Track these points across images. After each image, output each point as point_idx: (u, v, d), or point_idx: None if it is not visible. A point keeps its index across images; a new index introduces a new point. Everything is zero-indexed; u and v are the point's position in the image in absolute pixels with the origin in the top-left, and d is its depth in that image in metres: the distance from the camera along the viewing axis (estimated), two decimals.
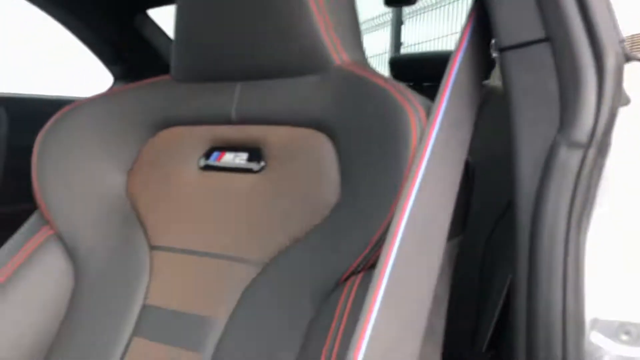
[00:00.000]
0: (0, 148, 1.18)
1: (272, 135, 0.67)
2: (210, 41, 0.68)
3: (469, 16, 0.57)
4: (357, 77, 0.61)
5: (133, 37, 1.76)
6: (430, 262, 0.49)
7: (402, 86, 0.59)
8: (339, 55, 0.64)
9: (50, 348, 0.69)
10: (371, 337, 0.42)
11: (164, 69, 0.77)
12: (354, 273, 0.54)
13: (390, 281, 0.44)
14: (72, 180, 0.74)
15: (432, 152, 0.51)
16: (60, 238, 0.73)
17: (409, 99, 0.56)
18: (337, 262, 0.55)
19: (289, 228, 0.62)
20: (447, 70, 0.55)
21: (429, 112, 0.55)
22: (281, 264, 0.61)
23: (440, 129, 0.52)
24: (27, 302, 0.69)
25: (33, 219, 0.76)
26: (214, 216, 0.67)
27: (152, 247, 0.69)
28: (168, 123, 0.74)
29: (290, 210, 0.63)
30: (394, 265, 0.44)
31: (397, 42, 3.86)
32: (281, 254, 0.62)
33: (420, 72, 1.57)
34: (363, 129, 0.58)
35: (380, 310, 0.42)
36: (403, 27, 3.91)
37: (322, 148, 0.63)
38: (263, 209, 0.64)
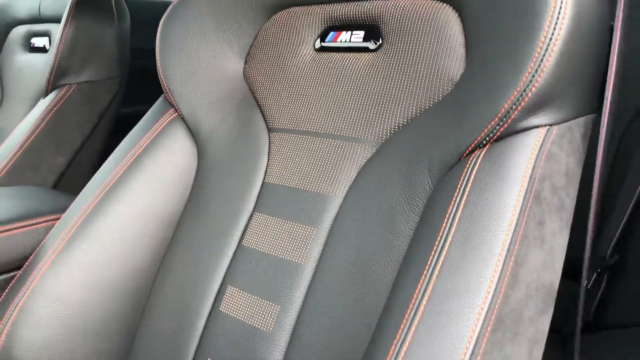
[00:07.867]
0: (124, 43, 1.22)
1: (390, 10, 0.62)
2: None
3: None
4: None
5: None
6: None
7: None
8: None
9: (179, 221, 0.74)
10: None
11: None
12: (479, 147, 0.51)
13: None
14: (192, 65, 0.75)
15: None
16: (183, 120, 0.76)
17: None
18: (460, 136, 0.52)
19: (407, 106, 0.59)
20: None
21: None
22: (398, 141, 0.59)
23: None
24: (154, 179, 0.73)
25: (158, 103, 0.79)
26: (330, 98, 0.66)
27: (270, 129, 0.70)
28: (283, 4, 0.72)
29: (408, 87, 0.60)
30: None
31: None
32: (398, 132, 0.60)
33: None
34: None
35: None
36: None
37: (446, 20, 0.58)
38: (379, 88, 0.62)
